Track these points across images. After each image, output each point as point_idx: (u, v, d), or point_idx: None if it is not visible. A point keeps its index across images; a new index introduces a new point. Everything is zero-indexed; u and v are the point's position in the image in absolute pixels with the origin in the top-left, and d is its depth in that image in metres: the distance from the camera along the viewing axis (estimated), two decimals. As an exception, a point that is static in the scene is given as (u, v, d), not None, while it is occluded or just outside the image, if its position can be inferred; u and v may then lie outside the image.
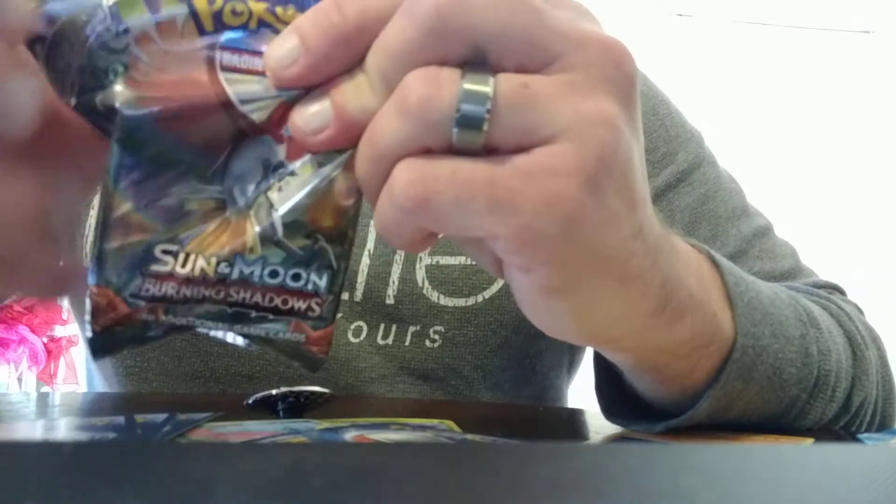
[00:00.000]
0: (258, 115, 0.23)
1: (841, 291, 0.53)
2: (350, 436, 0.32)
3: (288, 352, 0.25)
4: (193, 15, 0.22)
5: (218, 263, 0.23)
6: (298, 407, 0.39)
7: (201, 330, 0.24)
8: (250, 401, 0.39)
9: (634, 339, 0.30)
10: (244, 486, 0.15)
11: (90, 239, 0.23)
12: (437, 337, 0.52)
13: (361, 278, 0.52)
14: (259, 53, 0.22)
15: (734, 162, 0.61)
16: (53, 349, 2.11)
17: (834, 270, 0.55)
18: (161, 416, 0.35)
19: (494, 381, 0.54)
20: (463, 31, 0.21)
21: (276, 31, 0.23)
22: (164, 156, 0.22)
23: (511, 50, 0.21)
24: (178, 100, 0.22)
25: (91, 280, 0.23)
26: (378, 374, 0.52)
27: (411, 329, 0.52)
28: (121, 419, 0.35)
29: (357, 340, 0.52)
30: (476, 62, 0.21)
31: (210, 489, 0.15)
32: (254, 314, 0.24)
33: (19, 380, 2.13)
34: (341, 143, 0.23)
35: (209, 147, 0.23)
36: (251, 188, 0.23)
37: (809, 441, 0.36)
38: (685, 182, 0.56)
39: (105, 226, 0.23)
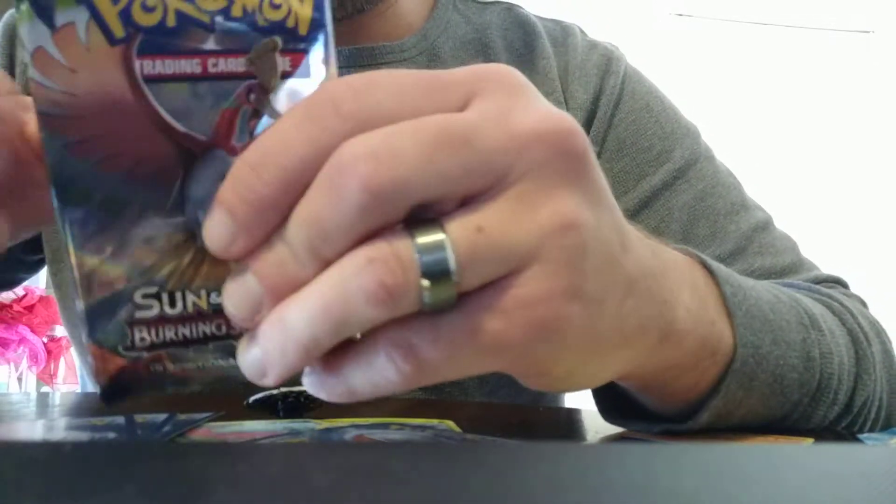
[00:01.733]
0: (202, 131, 0.20)
1: (844, 285, 0.53)
2: (350, 436, 0.32)
3: None
4: (96, 17, 0.19)
5: (209, 294, 0.22)
6: (298, 407, 0.39)
7: (230, 373, 0.23)
8: (250, 401, 0.39)
9: (642, 369, 0.30)
10: (244, 486, 0.15)
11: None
12: None
13: None
14: (185, 54, 0.19)
15: (733, 162, 0.61)
16: (53, 349, 2.11)
17: (834, 269, 0.55)
18: (161, 417, 0.35)
19: (490, 388, 0.53)
20: (398, 197, 0.19)
21: (200, 25, 0.19)
22: (113, 199, 0.20)
23: (452, 192, 0.20)
24: (107, 135, 0.19)
25: (84, 338, 0.21)
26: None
27: None
28: (121, 419, 0.35)
29: None
30: (418, 215, 0.20)
31: (210, 489, 0.15)
32: None
33: (19, 380, 2.13)
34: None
35: (159, 178, 0.20)
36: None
37: (810, 441, 0.36)
38: (682, 179, 0.55)
39: (77, 286, 0.21)
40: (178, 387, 0.22)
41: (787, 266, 0.53)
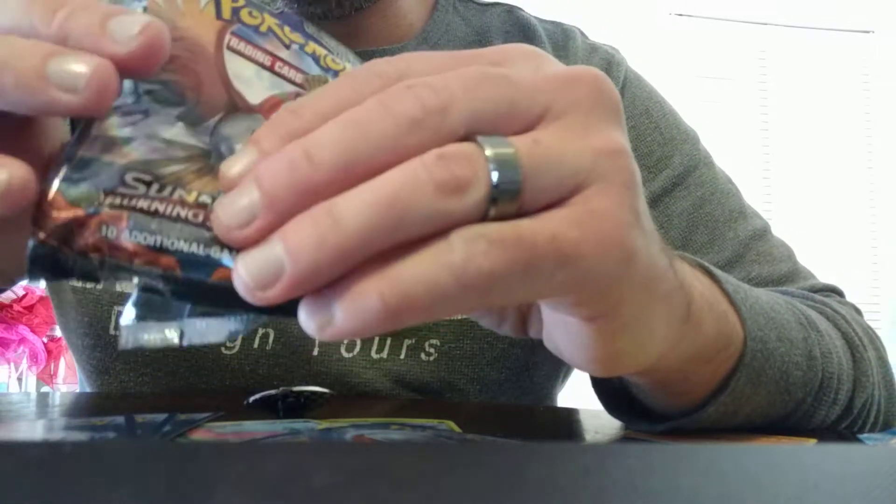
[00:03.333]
0: (251, 98, 0.23)
1: (839, 293, 0.53)
2: (350, 436, 0.32)
3: None
4: (216, 1, 0.24)
5: (198, 196, 0.21)
6: (298, 407, 0.39)
7: (187, 273, 0.21)
8: (250, 401, 0.39)
9: (671, 354, 0.30)
10: (244, 486, 0.15)
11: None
12: (432, 350, 0.51)
13: None
14: (264, 51, 0.24)
15: (733, 162, 0.61)
16: (53, 349, 2.11)
17: (834, 270, 0.55)
18: (161, 417, 0.35)
19: (491, 393, 0.54)
20: (449, 118, 0.20)
21: (281, 41, 0.24)
22: (160, 96, 0.23)
23: (502, 121, 0.21)
24: (184, 48, 0.23)
25: (50, 180, 0.21)
26: (372, 389, 0.52)
27: (406, 342, 0.51)
28: (121, 419, 0.35)
29: (350, 355, 0.51)
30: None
31: (210, 489, 0.15)
32: None
33: (19, 380, 2.14)
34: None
35: (204, 105, 0.23)
36: (238, 148, 0.22)
37: (812, 442, 0.36)
38: (681, 186, 0.55)
39: (83, 135, 0.21)
40: (112, 275, 0.21)
41: (783, 274, 0.53)
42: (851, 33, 2.61)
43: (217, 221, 0.19)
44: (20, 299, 2.04)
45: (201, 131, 0.22)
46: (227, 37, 0.24)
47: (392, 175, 0.19)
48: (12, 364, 2.10)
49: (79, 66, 0.20)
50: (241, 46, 0.24)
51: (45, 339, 2.10)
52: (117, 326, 0.52)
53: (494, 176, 0.19)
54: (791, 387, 0.36)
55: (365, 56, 0.67)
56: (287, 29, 0.25)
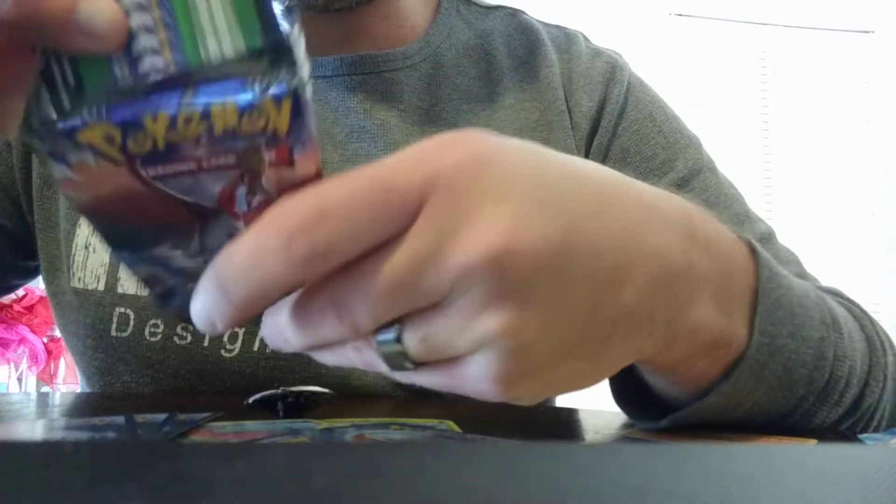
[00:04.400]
0: (208, 201, 0.24)
1: (842, 297, 0.53)
2: (350, 436, 0.32)
3: None
4: (100, 154, 0.22)
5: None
6: (298, 407, 0.39)
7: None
8: (250, 401, 0.39)
9: (647, 362, 0.31)
10: (244, 486, 0.15)
11: None
12: None
13: None
14: (180, 160, 0.22)
15: (734, 162, 0.61)
16: (53, 349, 2.11)
17: (834, 270, 0.55)
18: (161, 417, 0.35)
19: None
20: (359, 331, 0.24)
21: (187, 142, 0.22)
22: (147, 239, 0.25)
23: (412, 309, 0.24)
24: (131, 209, 0.23)
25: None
26: (372, 392, 0.51)
27: None
28: (121, 419, 0.35)
29: None
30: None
31: (210, 489, 0.15)
32: None
33: (19, 380, 2.13)
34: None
35: (181, 229, 0.25)
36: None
37: (813, 442, 0.36)
38: (685, 189, 0.55)
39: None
40: (70, 194, 0.23)
41: None
42: (851, 33, 2.61)
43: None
44: (20, 299, 2.04)
45: (194, 253, 0.25)
46: (142, 170, 0.22)
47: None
48: (12, 364, 2.10)
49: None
50: (160, 170, 0.22)
51: (45, 339, 2.10)
52: (119, 328, 0.52)
53: (384, 368, 0.25)
54: (794, 384, 0.36)
55: (367, 60, 0.66)
56: (180, 120, 0.22)
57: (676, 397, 0.37)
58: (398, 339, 0.24)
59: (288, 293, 0.24)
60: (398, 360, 0.25)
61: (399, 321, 0.24)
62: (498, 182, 0.23)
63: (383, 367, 0.25)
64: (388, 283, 0.23)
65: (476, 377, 0.25)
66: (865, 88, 2.61)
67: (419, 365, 0.25)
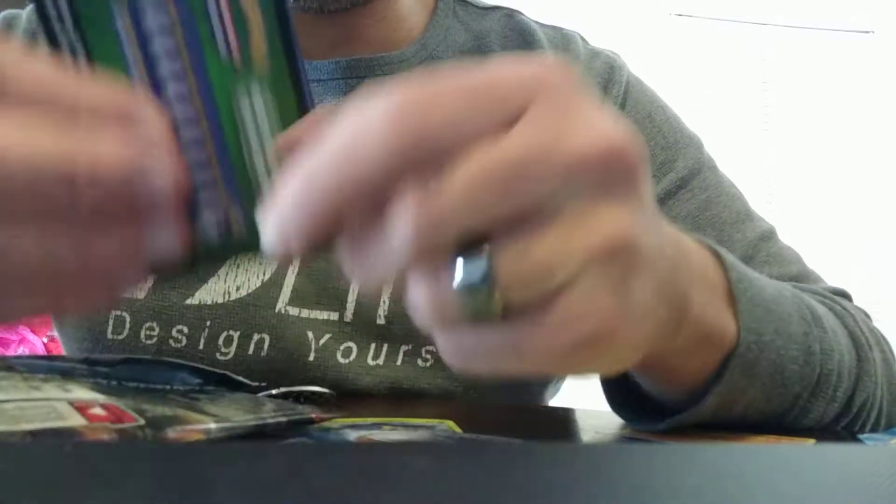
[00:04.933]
0: None
1: (848, 297, 0.53)
2: (350, 436, 0.32)
3: None
4: None
5: None
6: (298, 407, 0.39)
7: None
8: (250, 401, 0.39)
9: (654, 353, 0.30)
10: (244, 486, 0.15)
11: None
12: (429, 356, 0.51)
13: (352, 297, 0.51)
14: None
15: (733, 163, 0.61)
16: (53, 349, 2.11)
17: (834, 271, 0.55)
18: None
19: (487, 399, 0.53)
20: (444, 232, 0.20)
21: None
22: None
23: (499, 222, 0.20)
24: None
25: None
26: (371, 392, 0.51)
27: (403, 348, 0.51)
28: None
29: (346, 361, 0.51)
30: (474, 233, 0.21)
31: (210, 489, 0.15)
32: None
33: (19, 380, 2.13)
34: None
35: None
36: None
37: (811, 442, 0.36)
38: (685, 189, 0.55)
39: None
40: None
41: (793, 276, 0.53)
42: (850, 33, 2.61)
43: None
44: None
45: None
46: None
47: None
48: (12, 364, 2.10)
49: None
50: None
51: (44, 339, 2.10)
52: (115, 330, 0.52)
53: (464, 310, 0.21)
54: (787, 380, 0.36)
55: (362, 63, 0.66)
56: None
57: (670, 399, 0.37)
58: (488, 264, 0.20)
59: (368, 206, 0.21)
60: (482, 299, 0.21)
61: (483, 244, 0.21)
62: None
63: (455, 319, 0.21)
64: (497, 168, 0.20)
65: (573, 321, 0.21)
66: (864, 88, 2.61)
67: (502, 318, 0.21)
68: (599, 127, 0.21)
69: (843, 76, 2.62)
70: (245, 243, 0.26)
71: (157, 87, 0.24)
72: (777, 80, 2.62)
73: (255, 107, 0.25)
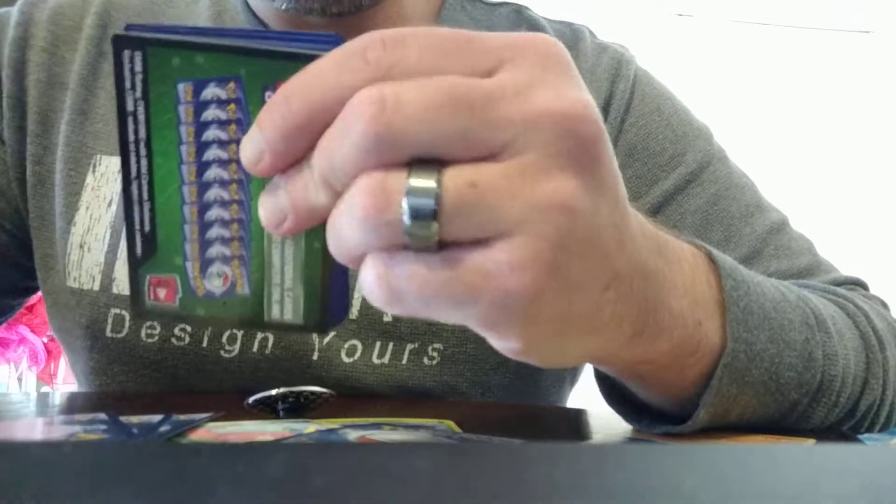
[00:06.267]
0: None
1: (864, 286, 0.52)
2: (350, 436, 0.32)
3: None
4: None
5: None
6: (298, 407, 0.39)
7: None
8: (250, 401, 0.39)
9: (612, 358, 0.31)
10: (244, 486, 0.15)
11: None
12: (435, 354, 0.51)
13: (358, 295, 0.50)
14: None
15: (735, 162, 0.60)
16: (53, 349, 2.11)
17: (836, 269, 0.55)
18: (157, 417, 0.35)
19: (494, 398, 0.53)
20: (396, 144, 0.21)
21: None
22: None
23: (455, 149, 0.21)
24: None
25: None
26: (374, 394, 0.51)
27: (409, 347, 0.51)
28: (116, 417, 0.35)
29: (351, 360, 0.51)
30: (424, 158, 0.22)
31: (210, 489, 0.15)
32: None
33: (19, 380, 2.13)
34: (306, 227, 0.24)
35: None
36: None
37: (811, 441, 0.36)
38: (695, 182, 0.55)
39: None
40: None
41: (804, 268, 0.53)
42: (850, 33, 2.61)
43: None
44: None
45: None
46: None
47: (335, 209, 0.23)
48: (12, 364, 2.10)
49: None
50: None
51: (44, 339, 2.10)
52: (114, 329, 0.52)
53: (406, 218, 0.21)
54: (783, 387, 0.36)
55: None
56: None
57: (660, 405, 0.37)
58: (437, 181, 0.21)
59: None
60: (424, 217, 0.21)
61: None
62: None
63: (392, 231, 0.22)
64: (459, 94, 0.21)
65: (508, 266, 0.22)
66: (864, 88, 2.61)
67: (441, 246, 0.22)
68: (565, 93, 0.22)
69: (841, 76, 2.62)
70: (241, 312, 0.27)
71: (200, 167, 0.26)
72: (777, 79, 2.62)
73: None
